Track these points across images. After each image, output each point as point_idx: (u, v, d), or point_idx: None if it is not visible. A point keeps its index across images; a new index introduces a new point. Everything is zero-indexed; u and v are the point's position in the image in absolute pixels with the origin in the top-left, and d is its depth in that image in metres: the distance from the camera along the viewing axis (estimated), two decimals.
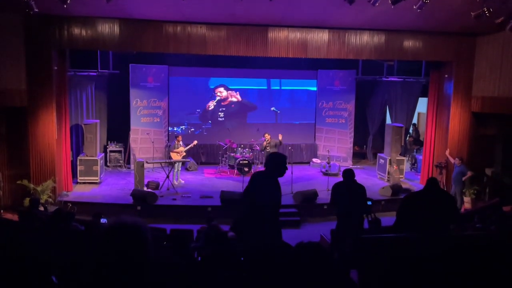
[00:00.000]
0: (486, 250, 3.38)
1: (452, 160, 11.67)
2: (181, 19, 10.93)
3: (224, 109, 15.62)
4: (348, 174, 6.77)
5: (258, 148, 13.85)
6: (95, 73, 13.59)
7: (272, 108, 15.83)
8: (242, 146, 14.30)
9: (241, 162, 13.46)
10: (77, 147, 13.36)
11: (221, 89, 15.54)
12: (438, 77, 13.01)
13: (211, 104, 15.52)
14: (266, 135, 13.17)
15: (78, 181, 12.42)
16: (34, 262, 3.32)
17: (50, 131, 10.86)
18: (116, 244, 2.01)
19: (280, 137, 12.99)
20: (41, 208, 9.03)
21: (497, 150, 12.25)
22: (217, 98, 15.52)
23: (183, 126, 15.47)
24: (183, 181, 12.98)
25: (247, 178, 12.70)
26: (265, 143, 12.81)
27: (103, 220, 7.56)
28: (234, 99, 15.60)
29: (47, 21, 10.39)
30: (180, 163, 12.94)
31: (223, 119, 15.61)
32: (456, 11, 9.35)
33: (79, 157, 12.56)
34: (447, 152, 12.20)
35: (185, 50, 11.43)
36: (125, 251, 2.00)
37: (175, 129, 15.27)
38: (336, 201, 6.78)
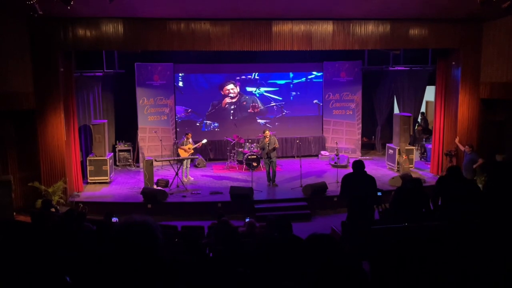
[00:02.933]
0: (499, 236, 3.36)
1: (462, 148, 11.57)
2: (184, 16, 10.92)
3: (235, 106, 15.65)
4: (358, 165, 6.74)
5: (256, 150, 13.55)
6: (101, 73, 13.61)
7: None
8: (249, 141, 14.30)
9: (249, 157, 13.46)
10: (86, 148, 13.44)
11: (231, 85, 15.55)
12: (445, 64, 12.88)
13: (228, 100, 15.55)
14: (266, 131, 12.20)
15: (88, 181, 12.50)
16: (48, 262, 3.36)
17: (59, 133, 10.95)
18: (127, 243, 2.02)
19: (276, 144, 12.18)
20: (53, 209, 9.10)
21: (507, 136, 12.12)
22: (231, 94, 15.53)
23: (208, 121, 15.57)
24: (192, 178, 13.01)
25: (256, 173, 12.81)
26: (266, 140, 11.95)
27: (114, 219, 7.62)
28: (242, 95, 15.62)
29: (52, 23, 10.45)
30: (189, 160, 12.97)
31: (234, 116, 15.66)
32: None
33: (88, 158, 12.64)
34: (456, 140, 12.10)
35: (189, 47, 11.43)
36: (136, 250, 2.01)
37: (197, 124, 15.45)
38: (346, 192, 6.77)
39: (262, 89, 15.70)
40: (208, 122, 15.67)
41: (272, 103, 15.79)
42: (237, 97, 15.63)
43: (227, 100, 15.58)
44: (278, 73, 15.76)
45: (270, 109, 15.85)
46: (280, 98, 15.77)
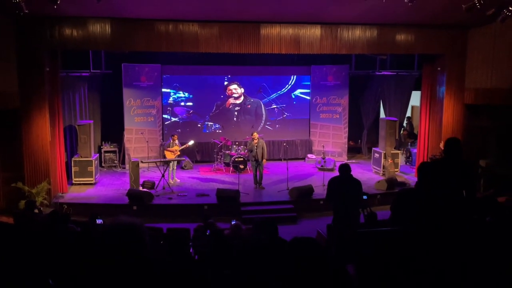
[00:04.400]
0: (483, 241, 3.40)
1: None
2: (172, 17, 10.89)
3: (238, 108, 15.68)
4: (344, 168, 6.79)
5: (243, 152, 13.57)
6: (87, 74, 13.52)
7: (273, 106, 15.80)
8: (237, 143, 14.30)
9: (236, 159, 13.45)
10: (71, 148, 13.30)
11: (235, 85, 15.56)
12: (430, 70, 13.04)
13: (232, 101, 15.56)
14: (255, 134, 12.18)
15: (73, 182, 12.36)
16: (30, 264, 3.31)
17: (44, 133, 10.81)
18: (113, 244, 2.01)
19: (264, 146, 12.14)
20: (36, 211, 8.98)
21: (490, 142, 12.31)
22: (234, 95, 15.55)
23: (209, 123, 15.60)
24: (178, 180, 12.95)
25: (243, 175, 12.80)
26: (255, 142, 11.89)
27: (99, 221, 7.54)
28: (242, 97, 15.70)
29: (38, 22, 10.32)
30: (176, 162, 12.91)
31: (238, 118, 15.71)
32: (447, 3, 9.37)
33: (73, 158, 12.51)
34: (441, 145, 12.23)
35: (177, 49, 11.39)
36: (123, 251, 2.00)
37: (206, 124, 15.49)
38: (333, 195, 6.81)
39: (250, 91, 15.74)
40: (210, 123, 15.63)
41: (273, 105, 15.82)
42: (241, 98, 15.63)
43: (231, 100, 15.58)
44: (266, 76, 15.78)
45: (271, 111, 15.88)
46: (274, 105, 15.83)
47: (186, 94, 15.34)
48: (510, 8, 7.80)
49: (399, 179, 12.50)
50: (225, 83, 15.54)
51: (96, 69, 13.66)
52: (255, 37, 11.36)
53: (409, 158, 15.50)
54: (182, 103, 15.36)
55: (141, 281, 2.03)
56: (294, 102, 15.99)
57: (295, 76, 15.88)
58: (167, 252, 5.39)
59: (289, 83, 15.91)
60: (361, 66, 15.68)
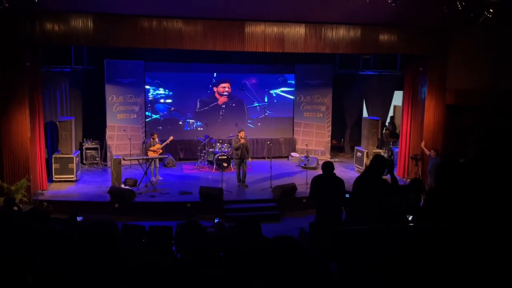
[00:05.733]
0: (463, 240, 3.45)
1: (427, 152, 11.87)
2: (156, 13, 10.79)
3: (224, 106, 15.63)
4: (327, 166, 6.77)
5: (226, 150, 13.54)
6: (69, 69, 13.33)
7: (255, 104, 15.80)
8: (220, 141, 14.26)
9: (220, 157, 13.41)
10: (52, 145, 13.10)
11: (225, 84, 15.53)
12: (413, 70, 13.20)
13: (224, 100, 15.54)
14: (242, 133, 12.02)
15: (54, 179, 12.18)
16: (8, 262, 3.25)
17: (23, 129, 10.62)
18: (86, 243, 1.98)
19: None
20: (15, 208, 8.82)
21: (471, 142, 12.52)
22: (225, 93, 15.52)
23: (191, 120, 15.50)
24: (161, 178, 12.87)
25: (226, 173, 12.78)
26: (242, 141, 11.81)
27: (79, 219, 7.44)
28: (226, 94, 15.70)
29: (18, 16, 10.11)
30: (158, 159, 12.81)
31: (221, 116, 15.64)
32: (430, 5, 9.49)
33: (54, 155, 12.32)
34: (422, 144, 12.41)
35: (161, 45, 11.29)
36: (96, 250, 1.97)
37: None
38: (315, 193, 6.81)
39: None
40: (192, 121, 15.54)
41: (255, 103, 15.80)
42: (228, 97, 15.63)
43: (223, 99, 15.55)
44: (250, 74, 15.77)
45: (253, 109, 15.86)
46: (256, 104, 15.84)
47: (166, 91, 15.21)
48: (491, 10, 7.94)
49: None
50: (213, 81, 15.47)
51: (78, 64, 13.47)
52: (240, 35, 11.34)
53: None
54: (162, 100, 15.22)
55: (117, 280, 2.00)
56: (275, 101, 15.99)
57: (278, 75, 15.90)
58: (149, 250, 5.36)
59: (273, 81, 15.93)
60: (344, 65, 15.79)
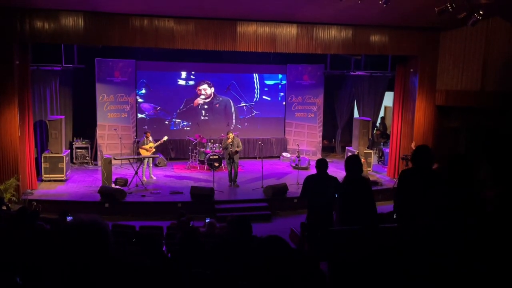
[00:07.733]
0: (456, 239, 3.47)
1: None
2: (148, 12, 10.74)
3: (207, 106, 15.55)
4: (321, 164, 6.62)
5: (218, 150, 13.58)
6: (59, 68, 13.22)
7: (242, 104, 15.79)
8: (212, 141, 14.23)
9: (211, 157, 13.39)
10: (42, 144, 12.99)
11: (205, 85, 15.43)
12: (403, 71, 13.29)
13: (200, 101, 15.42)
14: (230, 134, 12.12)
15: (43, 179, 12.08)
16: None
17: (13, 128, 10.52)
18: (75, 244, 1.97)
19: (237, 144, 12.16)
20: (4, 207, 8.74)
21: (460, 142, 12.63)
22: (202, 96, 15.42)
23: (177, 120, 15.39)
24: (155, 178, 12.81)
25: (218, 173, 12.76)
26: (229, 140, 11.92)
27: (69, 219, 7.39)
28: (210, 95, 15.57)
29: (8, 14, 10.02)
30: (151, 159, 12.75)
31: (206, 116, 15.56)
32: (420, 6, 9.56)
33: (43, 154, 12.22)
34: (412, 145, 12.47)
35: (152, 44, 11.25)
36: (86, 250, 1.96)
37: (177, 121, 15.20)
38: (307, 193, 6.74)
39: (225, 89, 15.68)
40: (178, 120, 15.47)
41: (242, 103, 15.78)
42: (211, 98, 15.53)
43: (199, 100, 15.45)
44: (242, 73, 15.76)
45: (240, 109, 15.84)
46: (243, 103, 15.79)
47: (151, 90, 15.11)
48: (481, 12, 8.00)
49: (371, 178, 12.68)
50: (191, 82, 15.37)
51: (68, 63, 13.36)
52: (232, 35, 11.33)
53: (381, 158, 15.75)
54: (141, 99, 15.08)
55: (106, 280, 1.99)
56: (265, 100, 15.97)
57: (269, 75, 15.91)
58: (139, 250, 5.32)
59: (264, 81, 15.94)
60: (336, 66, 15.84)
